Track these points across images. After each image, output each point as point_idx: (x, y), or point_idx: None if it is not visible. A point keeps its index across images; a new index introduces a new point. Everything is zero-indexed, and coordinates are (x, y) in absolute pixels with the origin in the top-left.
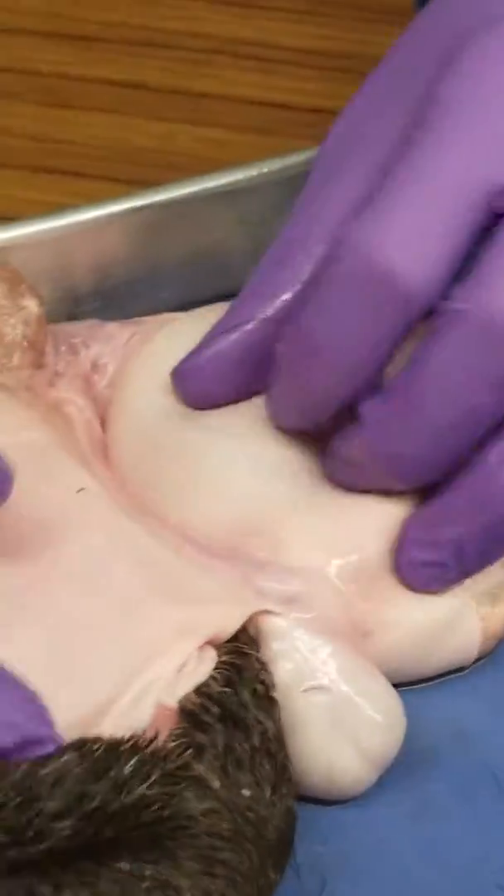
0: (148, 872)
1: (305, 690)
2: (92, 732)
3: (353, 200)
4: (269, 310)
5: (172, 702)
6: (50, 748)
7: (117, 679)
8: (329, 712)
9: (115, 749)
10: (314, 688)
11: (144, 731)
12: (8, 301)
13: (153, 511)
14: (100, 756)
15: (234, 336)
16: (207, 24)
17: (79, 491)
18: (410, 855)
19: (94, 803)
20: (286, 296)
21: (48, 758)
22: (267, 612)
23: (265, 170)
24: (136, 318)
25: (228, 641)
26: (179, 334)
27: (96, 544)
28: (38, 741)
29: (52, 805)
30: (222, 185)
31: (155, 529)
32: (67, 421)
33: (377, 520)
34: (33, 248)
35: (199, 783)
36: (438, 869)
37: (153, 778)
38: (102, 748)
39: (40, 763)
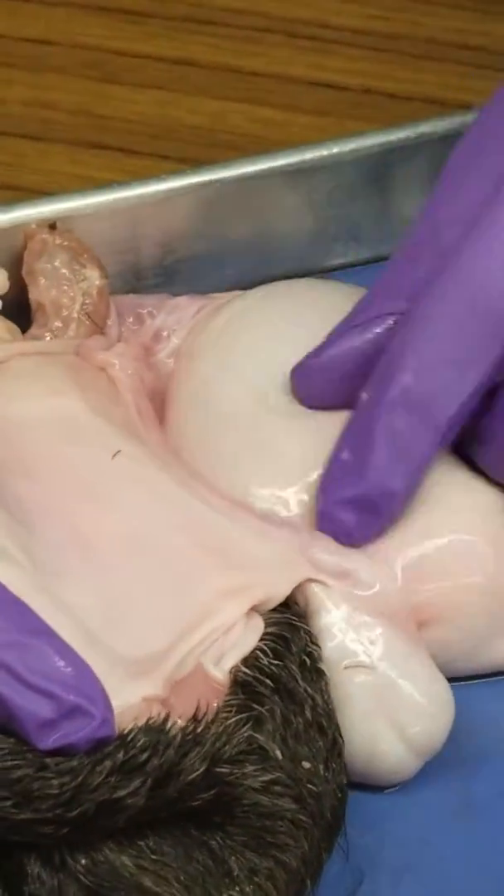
0: (201, 852)
1: (347, 668)
2: (140, 686)
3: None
4: (401, 306)
5: (217, 671)
6: (94, 723)
7: (168, 636)
8: (371, 693)
9: (184, 735)
10: (357, 665)
11: (197, 706)
12: (68, 270)
13: (209, 479)
14: (173, 739)
15: (361, 332)
16: (259, 2)
17: (114, 455)
18: (451, 854)
19: (169, 787)
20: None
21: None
22: (318, 582)
23: (335, 150)
24: (206, 294)
25: (275, 611)
26: (251, 310)
27: (140, 507)
28: (83, 713)
29: (132, 784)
30: (291, 164)
31: (207, 495)
32: (113, 385)
33: (452, 511)
34: (98, 218)
35: (262, 754)
36: (478, 870)
37: (226, 755)
38: (175, 733)
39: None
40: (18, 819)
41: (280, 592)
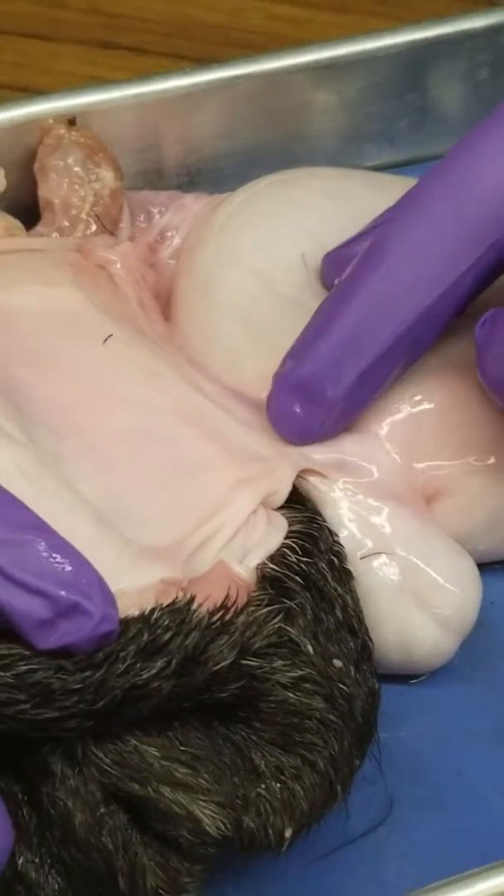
0: (227, 746)
1: (364, 557)
2: (158, 568)
3: None
4: None
5: (242, 569)
6: (92, 621)
7: (182, 527)
8: (393, 578)
9: (211, 620)
10: (373, 553)
11: (227, 595)
12: (82, 169)
13: (206, 366)
14: (200, 622)
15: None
16: None
17: (106, 340)
18: (488, 783)
19: (197, 672)
20: None
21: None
22: (317, 474)
23: (368, 46)
24: (217, 195)
25: (295, 509)
26: (257, 198)
27: (138, 396)
28: (80, 611)
29: (157, 665)
30: (321, 61)
31: (202, 382)
32: (113, 282)
33: (438, 373)
34: (117, 114)
35: (292, 648)
36: None
37: (255, 646)
38: (202, 616)
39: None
40: (41, 719)
41: (284, 484)
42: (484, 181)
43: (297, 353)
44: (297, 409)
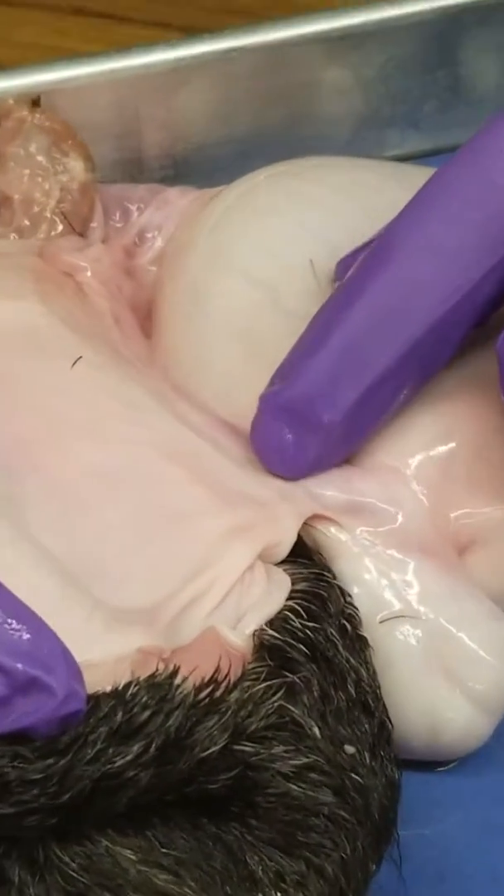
0: (217, 848)
1: (384, 621)
2: (135, 635)
3: None
4: None
5: (235, 635)
6: (54, 700)
7: (165, 585)
8: (418, 646)
9: (198, 697)
10: (395, 616)
11: (217, 671)
12: (46, 158)
13: (194, 393)
14: (184, 699)
15: None
16: None
17: (74, 363)
18: None
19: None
20: None
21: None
22: (328, 520)
23: (390, 14)
24: (206, 189)
25: (300, 563)
26: (253, 194)
27: (113, 429)
28: (40, 687)
29: (133, 750)
30: (334, 30)
31: (192, 416)
32: (82, 293)
33: (469, 400)
34: (89, 94)
35: (295, 731)
36: None
37: (250, 728)
38: (187, 692)
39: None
40: None
41: (288, 533)
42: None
43: (288, 369)
44: (287, 436)
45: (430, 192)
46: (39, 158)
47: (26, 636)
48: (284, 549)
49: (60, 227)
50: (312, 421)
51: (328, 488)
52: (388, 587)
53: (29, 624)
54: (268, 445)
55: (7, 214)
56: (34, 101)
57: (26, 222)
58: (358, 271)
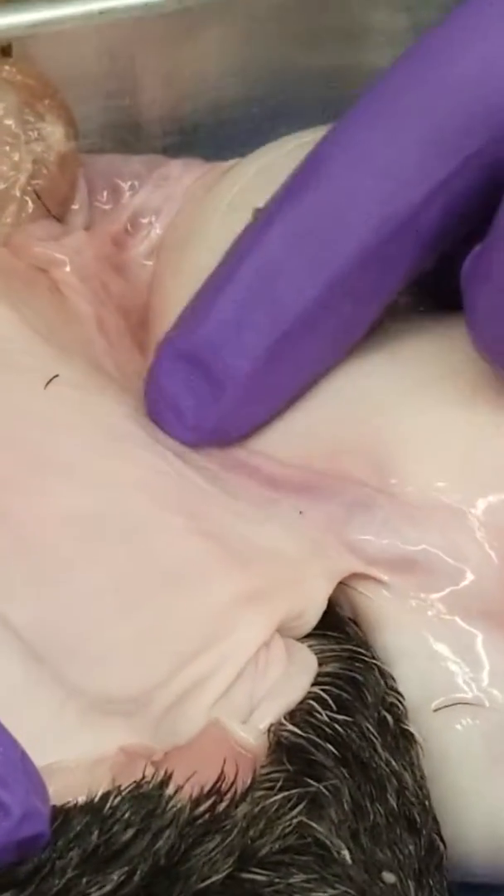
0: None
1: (439, 709)
2: (116, 729)
3: None
4: None
5: (245, 731)
6: (9, 821)
7: (158, 666)
8: (484, 742)
9: (195, 813)
10: (455, 703)
11: (221, 777)
12: (16, 122)
13: None
14: (177, 815)
15: None
16: None
17: (48, 382)
18: None
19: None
20: None
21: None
22: (370, 578)
23: None
24: (216, 163)
25: (328, 638)
26: (274, 170)
27: (96, 466)
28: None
29: (112, 878)
30: None
31: (192, 449)
32: (58, 293)
33: None
34: (73, 40)
35: (320, 855)
36: None
37: (263, 851)
38: (181, 806)
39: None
40: None
41: (315, 600)
42: (466, 62)
43: (191, 310)
44: (186, 391)
45: (372, 96)
46: (7, 122)
47: None
48: (311, 621)
49: (32, 209)
50: (216, 372)
51: (371, 534)
52: (447, 666)
53: None
54: (163, 401)
55: None
56: (4, 49)
57: None
58: (279, 192)
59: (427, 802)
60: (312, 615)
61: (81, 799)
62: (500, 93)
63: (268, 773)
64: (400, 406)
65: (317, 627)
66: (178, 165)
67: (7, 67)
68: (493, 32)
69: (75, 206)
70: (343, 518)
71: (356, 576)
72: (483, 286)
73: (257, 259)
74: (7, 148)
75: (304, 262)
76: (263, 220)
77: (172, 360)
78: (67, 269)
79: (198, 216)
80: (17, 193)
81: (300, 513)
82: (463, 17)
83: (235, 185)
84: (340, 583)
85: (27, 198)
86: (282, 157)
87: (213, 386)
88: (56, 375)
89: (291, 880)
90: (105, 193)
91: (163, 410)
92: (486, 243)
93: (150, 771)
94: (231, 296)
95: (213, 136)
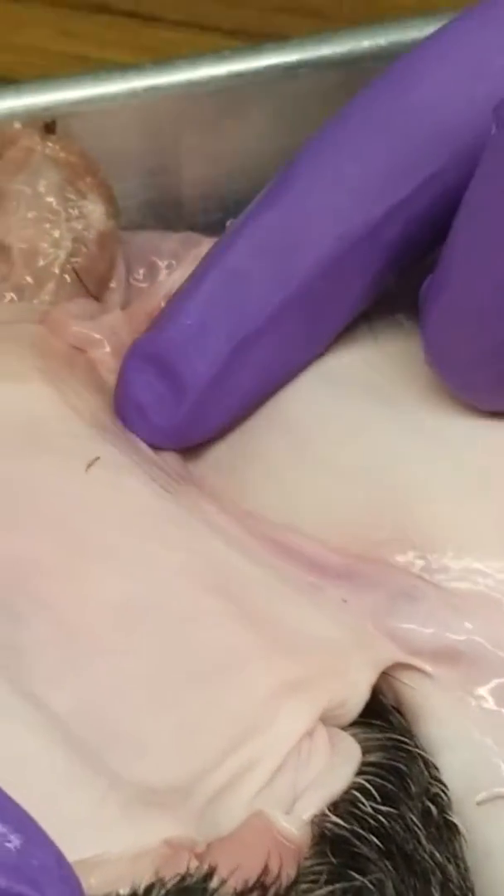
0: None
1: (483, 803)
2: (159, 822)
3: None
4: None
5: (289, 822)
6: None
7: (199, 757)
8: None
9: None
10: (497, 797)
11: (265, 871)
12: (58, 199)
13: (237, 503)
14: None
15: None
16: None
17: (90, 465)
18: None
19: None
20: None
21: None
22: (413, 668)
23: None
24: None
25: (372, 727)
26: None
27: (138, 552)
28: None
29: None
30: None
31: (235, 531)
32: (95, 372)
33: None
34: (115, 118)
35: None
36: None
37: None
38: None
39: None
40: None
41: (360, 688)
42: (425, 86)
43: (161, 315)
44: (151, 391)
45: (344, 114)
46: (50, 200)
47: (14, 842)
48: (354, 710)
49: (70, 287)
50: (179, 373)
51: (416, 624)
52: (492, 759)
53: (17, 825)
54: (129, 400)
55: (4, 268)
56: (48, 125)
57: (28, 279)
58: (251, 206)
59: (472, 894)
60: (356, 704)
61: (125, 892)
62: (458, 116)
63: (311, 866)
64: (440, 492)
65: (360, 715)
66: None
67: (50, 144)
68: (451, 58)
69: (113, 285)
70: (387, 607)
71: (399, 665)
72: (434, 305)
73: (223, 267)
74: (48, 225)
75: (268, 271)
76: (232, 231)
77: (139, 361)
78: (106, 349)
79: None
80: (57, 271)
81: (344, 601)
82: (425, 46)
83: None
84: (383, 672)
85: (66, 275)
86: None
87: (177, 388)
88: (97, 458)
89: None
90: (142, 271)
91: (128, 410)
92: (437, 264)
93: (193, 863)
94: (196, 301)
95: None
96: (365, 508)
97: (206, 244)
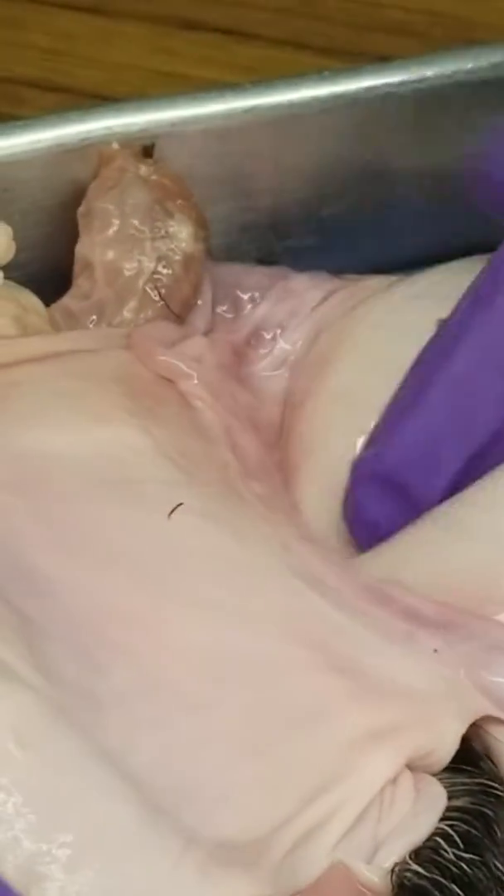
0: None
1: None
2: (238, 882)
3: None
4: None
5: (371, 871)
6: None
7: (280, 807)
8: None
9: None
10: None
11: None
12: (144, 219)
13: (335, 550)
14: None
15: None
16: None
17: (172, 511)
18: None
19: None
20: None
21: None
22: (501, 722)
23: None
24: (343, 276)
25: (459, 771)
26: (419, 301)
27: (222, 600)
28: None
29: None
30: None
31: (329, 579)
32: (187, 406)
33: None
34: (206, 140)
35: None
36: None
37: None
38: None
39: None
40: None
41: (448, 739)
42: None
43: (381, 433)
44: (382, 510)
45: None
46: (134, 221)
47: None
48: (442, 760)
49: (151, 307)
50: (412, 491)
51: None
52: None
53: None
54: (363, 521)
55: (86, 284)
56: (146, 148)
57: (109, 293)
58: (457, 313)
59: None
60: (444, 755)
61: None
62: None
63: None
64: None
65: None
66: (304, 280)
67: (143, 167)
68: None
69: (199, 303)
70: (481, 660)
71: (489, 718)
72: None
73: (447, 374)
74: (132, 244)
75: (495, 376)
76: (450, 334)
77: (367, 482)
78: (195, 381)
79: (340, 335)
80: (139, 287)
81: (435, 650)
82: None
83: (376, 311)
84: (473, 723)
85: (150, 292)
86: (426, 288)
87: (410, 505)
88: (180, 504)
89: None
90: (226, 303)
91: (361, 529)
92: None
93: None
94: (422, 418)
95: (349, 239)
96: (468, 566)
97: (296, 279)
